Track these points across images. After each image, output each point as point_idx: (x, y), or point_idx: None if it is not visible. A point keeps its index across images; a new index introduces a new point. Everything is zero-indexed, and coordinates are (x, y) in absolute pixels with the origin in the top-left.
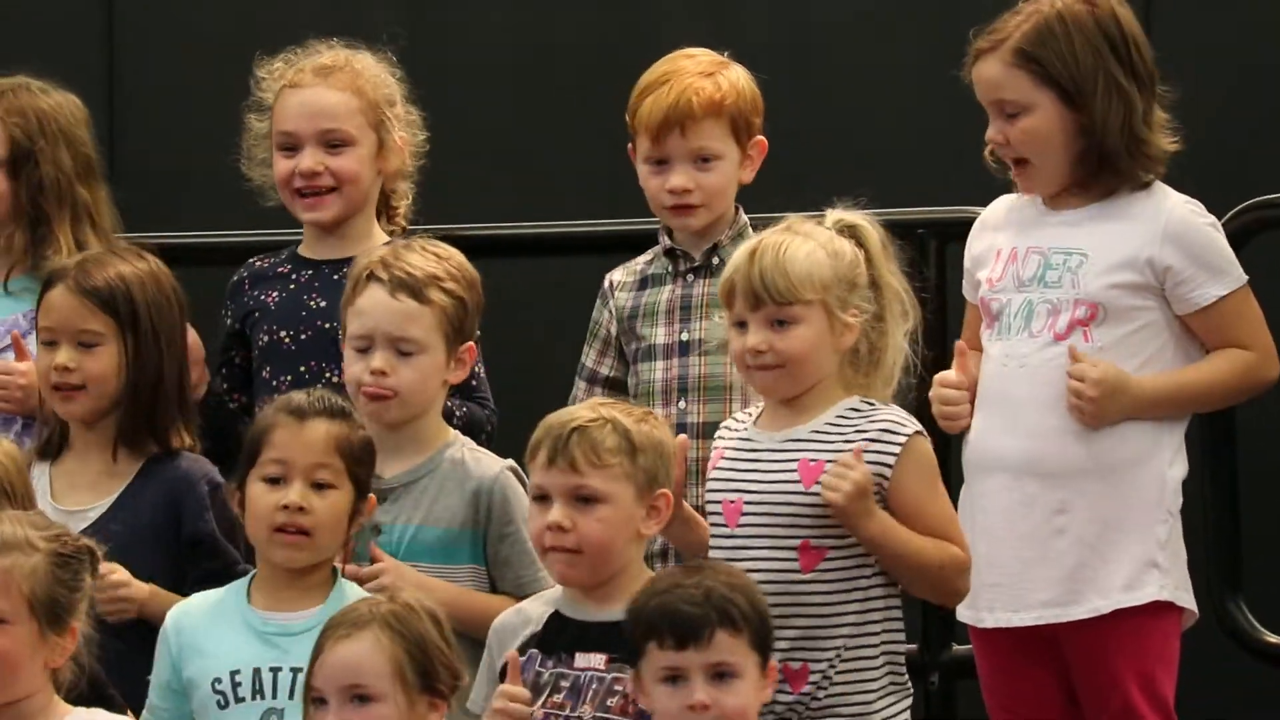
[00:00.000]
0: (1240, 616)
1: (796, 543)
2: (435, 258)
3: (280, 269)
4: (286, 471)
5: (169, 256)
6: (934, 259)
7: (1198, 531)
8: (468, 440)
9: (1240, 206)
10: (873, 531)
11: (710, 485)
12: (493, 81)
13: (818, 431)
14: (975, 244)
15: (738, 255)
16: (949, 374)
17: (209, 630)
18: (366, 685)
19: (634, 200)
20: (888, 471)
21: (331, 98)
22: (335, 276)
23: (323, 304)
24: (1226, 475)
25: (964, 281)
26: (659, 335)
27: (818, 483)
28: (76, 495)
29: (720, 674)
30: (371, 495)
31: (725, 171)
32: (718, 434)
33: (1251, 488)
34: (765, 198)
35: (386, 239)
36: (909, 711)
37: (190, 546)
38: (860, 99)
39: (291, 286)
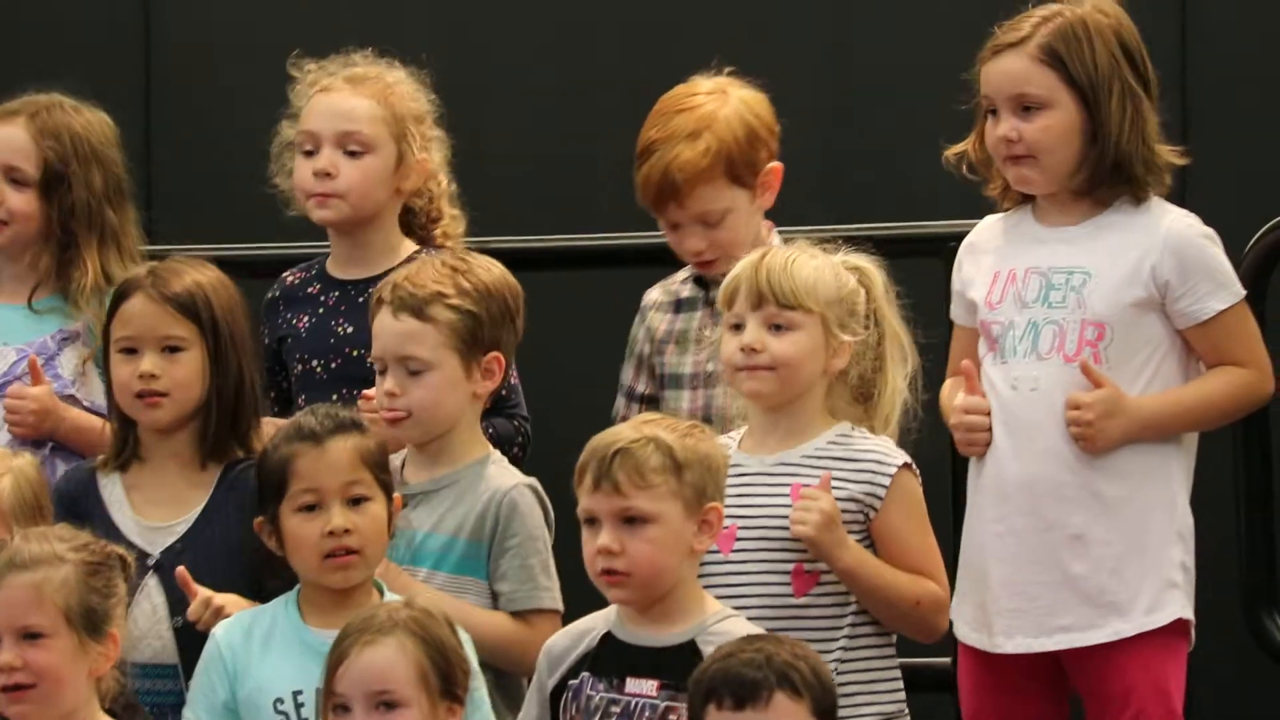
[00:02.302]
0: (1275, 629)
1: (789, 567)
2: (451, 272)
3: (310, 288)
4: (321, 498)
5: None
6: None
7: (1231, 545)
8: (495, 454)
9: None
10: (847, 562)
11: None
12: (530, 93)
13: (809, 456)
14: (965, 265)
15: (744, 261)
16: (970, 399)
17: (265, 649)
18: (393, 691)
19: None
20: (877, 504)
21: (356, 102)
22: (360, 299)
23: (349, 330)
24: (1261, 488)
25: (952, 305)
26: (686, 364)
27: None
28: (158, 509)
29: None
30: (398, 495)
31: (735, 223)
32: None
33: None
34: (798, 210)
35: (414, 252)
36: None
37: (269, 551)
38: (892, 111)
39: (320, 311)
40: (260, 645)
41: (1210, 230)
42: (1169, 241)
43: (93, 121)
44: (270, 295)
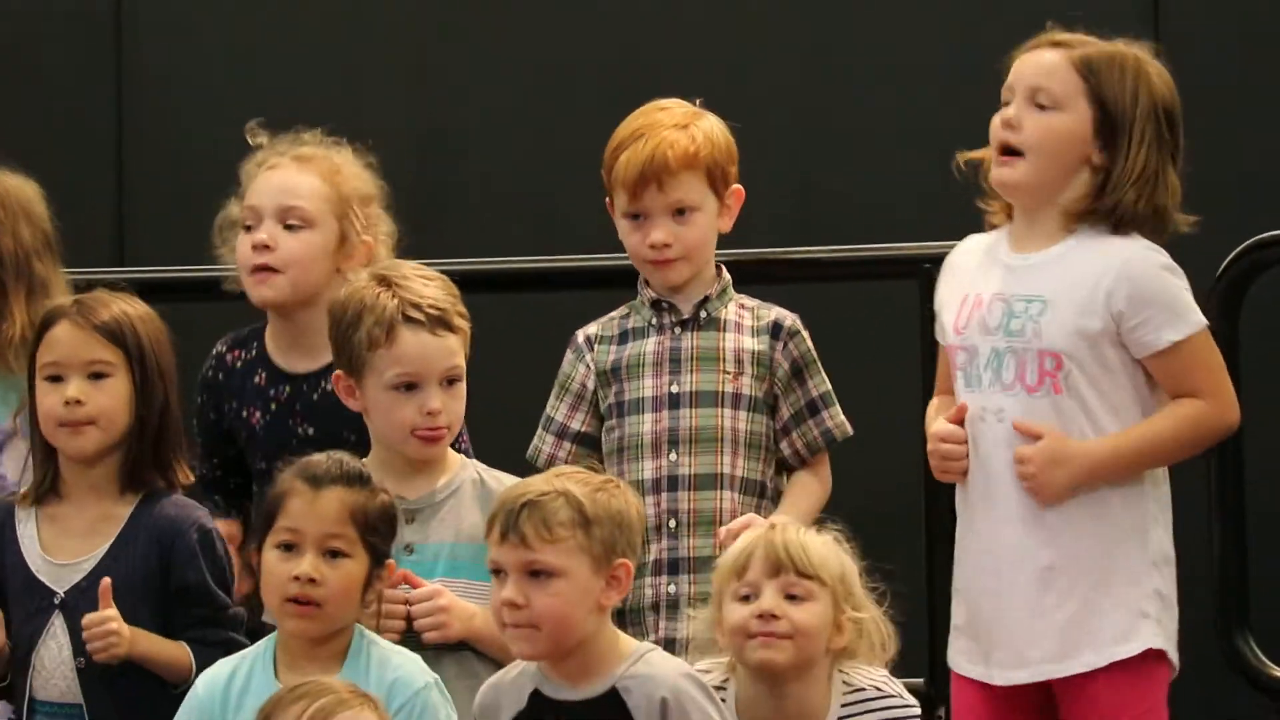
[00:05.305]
0: (1249, 652)
1: None
2: (432, 281)
3: (256, 378)
4: (299, 540)
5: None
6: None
7: (1206, 567)
8: (477, 463)
9: (1246, 244)
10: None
11: None
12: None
13: None
14: (941, 286)
15: (750, 534)
16: (948, 426)
17: (240, 702)
18: None
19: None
20: None
21: (300, 179)
22: (315, 396)
23: (310, 431)
24: (1235, 511)
25: (936, 324)
26: (646, 388)
27: None
28: (69, 545)
29: None
30: (390, 561)
31: (703, 223)
32: None
33: (1260, 523)
34: (770, 233)
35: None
36: None
37: (178, 594)
38: (865, 133)
39: (274, 407)
40: (237, 696)
41: (1172, 262)
42: (1124, 270)
43: (17, 182)
44: (208, 372)
